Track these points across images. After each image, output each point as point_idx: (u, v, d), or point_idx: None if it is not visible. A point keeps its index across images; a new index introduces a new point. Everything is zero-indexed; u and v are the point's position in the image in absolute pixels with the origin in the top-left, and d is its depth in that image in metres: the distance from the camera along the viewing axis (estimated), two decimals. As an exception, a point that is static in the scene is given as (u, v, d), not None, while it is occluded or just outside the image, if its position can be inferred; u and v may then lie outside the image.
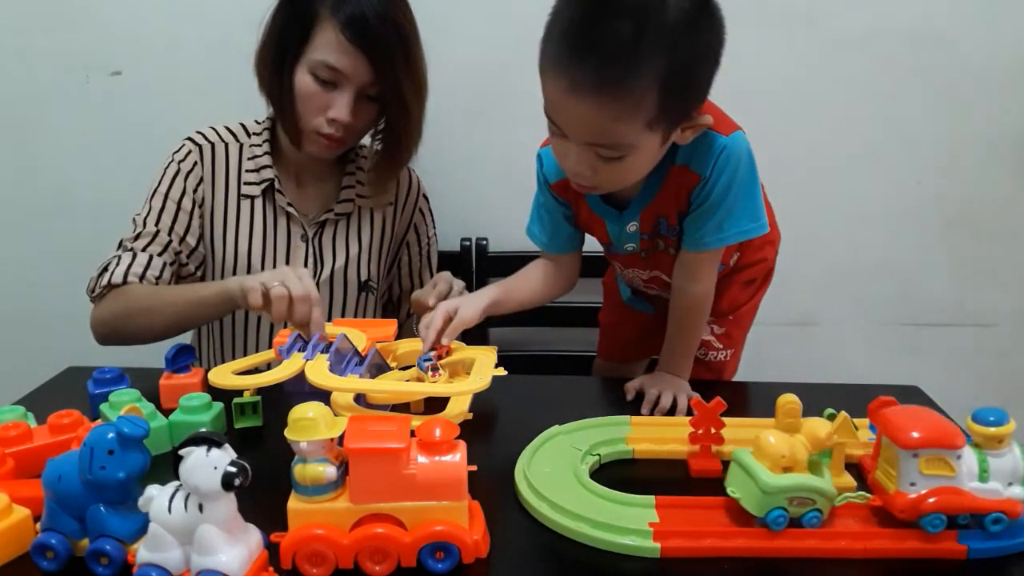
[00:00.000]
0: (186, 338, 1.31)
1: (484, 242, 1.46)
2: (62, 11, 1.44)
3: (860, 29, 1.39)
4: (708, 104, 0.94)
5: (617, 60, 0.77)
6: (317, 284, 1.19)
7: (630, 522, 0.71)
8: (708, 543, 0.70)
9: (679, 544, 0.69)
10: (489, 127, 1.45)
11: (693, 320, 1.04)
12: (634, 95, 0.79)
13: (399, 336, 1.34)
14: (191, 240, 1.19)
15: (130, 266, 1.13)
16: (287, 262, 1.21)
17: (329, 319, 1.23)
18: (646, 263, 1.07)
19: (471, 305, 1.00)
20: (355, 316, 1.26)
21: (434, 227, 1.35)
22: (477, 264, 1.46)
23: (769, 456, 0.70)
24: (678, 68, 0.79)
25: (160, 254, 1.16)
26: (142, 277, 1.13)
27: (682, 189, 0.94)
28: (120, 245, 1.16)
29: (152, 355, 1.41)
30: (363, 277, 1.25)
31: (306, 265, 1.21)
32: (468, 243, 1.46)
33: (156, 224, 1.16)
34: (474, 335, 1.46)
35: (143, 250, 1.15)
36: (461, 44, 1.42)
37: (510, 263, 1.37)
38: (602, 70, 0.78)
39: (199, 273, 1.20)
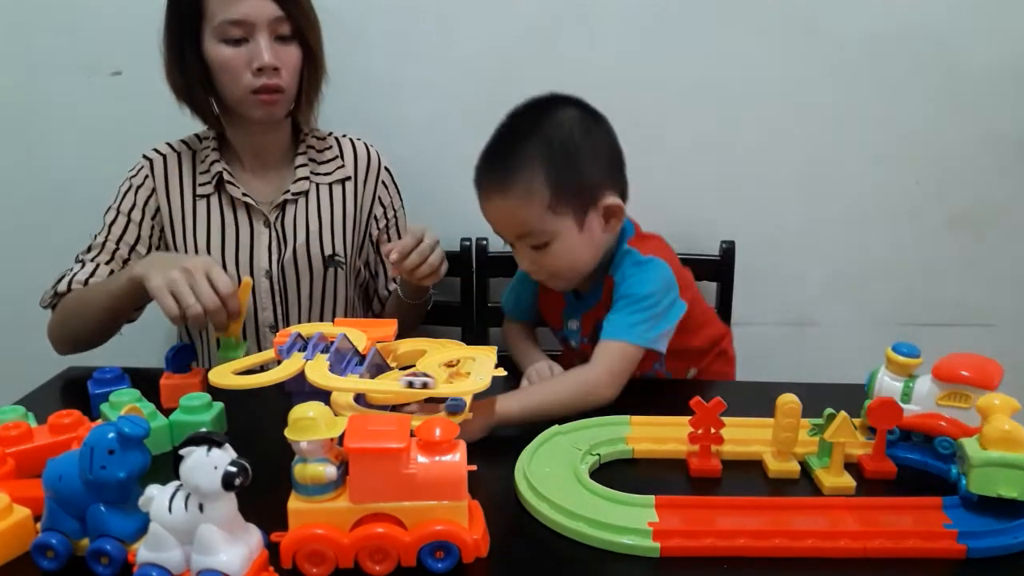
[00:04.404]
0: (186, 338, 1.31)
1: (484, 242, 1.45)
2: (62, 11, 1.43)
3: (860, 30, 1.39)
4: (657, 238, 1.14)
5: (505, 162, 1.02)
6: (281, 265, 1.23)
7: (630, 522, 0.71)
8: (708, 543, 0.70)
9: (679, 544, 0.69)
10: (489, 127, 1.45)
11: (565, 391, 0.97)
12: (522, 184, 1.00)
13: (384, 313, 1.36)
14: (141, 249, 1.21)
15: (76, 275, 1.17)
16: (250, 251, 1.22)
17: (297, 297, 1.26)
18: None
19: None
20: (323, 292, 1.28)
21: (401, 199, 1.36)
22: (477, 264, 1.46)
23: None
24: (558, 158, 1.00)
25: (108, 262, 1.19)
26: (85, 284, 1.16)
27: (610, 294, 1.07)
28: (76, 260, 1.20)
29: (153, 355, 1.41)
30: (327, 252, 1.26)
31: (269, 248, 1.23)
32: (468, 243, 1.46)
33: (106, 236, 1.21)
34: (474, 335, 1.47)
35: (92, 260, 1.19)
36: (461, 44, 1.42)
37: (510, 263, 1.37)
38: (496, 172, 1.03)
39: None
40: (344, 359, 0.92)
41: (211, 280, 0.96)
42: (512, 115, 1.08)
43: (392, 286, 1.34)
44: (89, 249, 1.21)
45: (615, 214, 1.05)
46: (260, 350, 1.14)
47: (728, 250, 1.41)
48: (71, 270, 1.18)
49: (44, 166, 1.51)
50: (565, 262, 1.04)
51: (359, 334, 0.97)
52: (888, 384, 0.86)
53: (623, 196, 1.07)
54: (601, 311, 1.08)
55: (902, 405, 0.82)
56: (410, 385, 0.80)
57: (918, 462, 0.84)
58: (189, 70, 1.15)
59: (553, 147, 1.01)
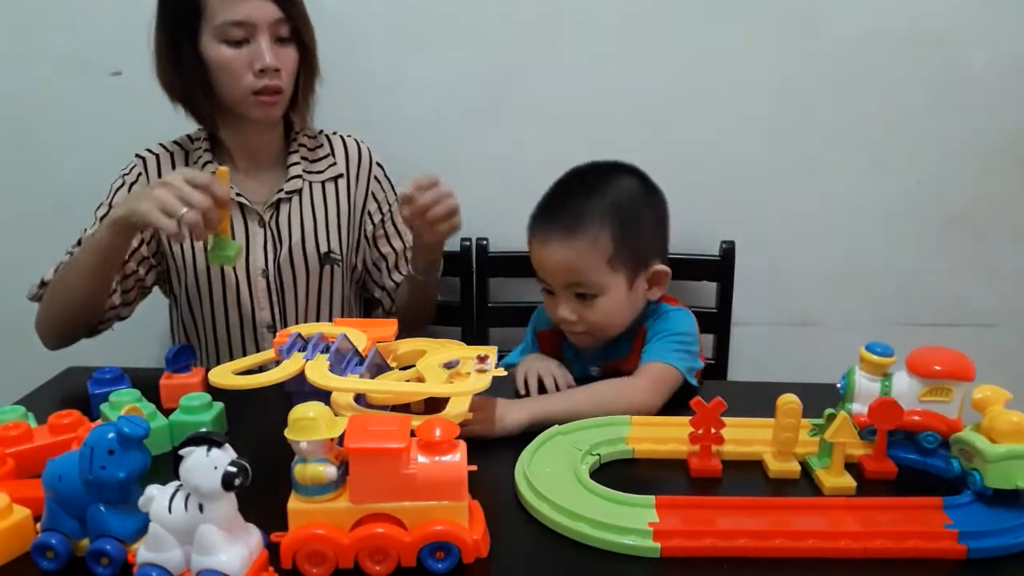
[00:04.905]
0: (183, 339, 1.31)
1: (484, 242, 1.45)
2: (62, 11, 1.43)
3: (860, 29, 1.39)
4: (681, 304, 1.15)
5: (572, 211, 1.05)
6: (277, 264, 1.23)
7: (630, 522, 0.71)
8: (708, 543, 0.70)
9: (679, 544, 0.69)
10: (489, 127, 1.45)
11: (606, 395, 0.98)
12: (589, 234, 1.03)
13: (383, 306, 1.35)
14: (133, 243, 1.18)
15: (60, 263, 1.16)
16: (246, 250, 1.22)
17: (294, 296, 1.25)
18: None
19: None
20: (320, 290, 1.28)
21: (395, 194, 1.34)
22: (477, 264, 1.46)
23: None
24: (623, 215, 1.04)
25: None
26: None
27: (641, 345, 1.10)
28: (66, 253, 1.19)
29: (153, 355, 1.41)
30: (323, 249, 1.26)
31: (265, 248, 1.23)
32: (468, 243, 1.45)
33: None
34: (474, 335, 1.47)
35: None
36: (462, 45, 1.42)
37: (510, 263, 1.37)
38: (562, 220, 1.05)
39: (140, 271, 1.21)
40: (344, 359, 0.92)
41: (192, 182, 0.96)
42: (574, 173, 1.12)
43: (397, 277, 1.33)
44: (79, 243, 1.19)
45: (660, 281, 1.09)
46: (258, 350, 1.14)
47: (728, 250, 1.41)
48: (61, 263, 1.17)
49: (43, 166, 1.51)
50: (606, 317, 1.07)
51: (359, 334, 0.97)
52: (867, 385, 0.85)
53: (664, 264, 1.11)
54: (623, 364, 1.09)
55: None
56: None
57: (918, 462, 0.84)
58: (186, 70, 1.15)
59: (619, 205, 1.06)
